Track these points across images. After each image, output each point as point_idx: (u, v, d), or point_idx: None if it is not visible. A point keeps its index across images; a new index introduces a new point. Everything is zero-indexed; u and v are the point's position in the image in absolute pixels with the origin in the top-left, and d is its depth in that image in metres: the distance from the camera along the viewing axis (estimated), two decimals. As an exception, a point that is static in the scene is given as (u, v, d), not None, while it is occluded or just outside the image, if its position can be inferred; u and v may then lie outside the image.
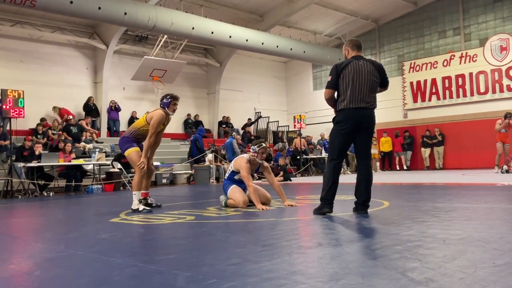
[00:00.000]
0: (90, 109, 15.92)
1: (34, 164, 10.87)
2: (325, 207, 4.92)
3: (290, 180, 14.29)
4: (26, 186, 10.93)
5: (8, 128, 11.33)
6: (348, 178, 14.44)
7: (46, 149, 13.09)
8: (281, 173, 14.70)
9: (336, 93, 4.91)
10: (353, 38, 5.20)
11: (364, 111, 4.78)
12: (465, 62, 17.95)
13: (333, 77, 4.84)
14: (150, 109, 18.53)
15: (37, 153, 11.45)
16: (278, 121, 21.85)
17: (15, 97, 10.79)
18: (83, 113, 16.00)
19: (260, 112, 21.74)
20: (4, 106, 10.70)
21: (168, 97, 6.30)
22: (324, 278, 2.30)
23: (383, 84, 4.97)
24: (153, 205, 6.31)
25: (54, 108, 15.22)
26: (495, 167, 12.93)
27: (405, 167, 18.85)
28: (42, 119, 14.28)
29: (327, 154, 18.40)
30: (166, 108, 6.23)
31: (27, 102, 11.36)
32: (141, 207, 5.94)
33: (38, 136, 13.49)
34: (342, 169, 18.33)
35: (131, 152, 6.07)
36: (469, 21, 18.29)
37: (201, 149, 15.65)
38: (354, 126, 4.79)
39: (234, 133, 16.92)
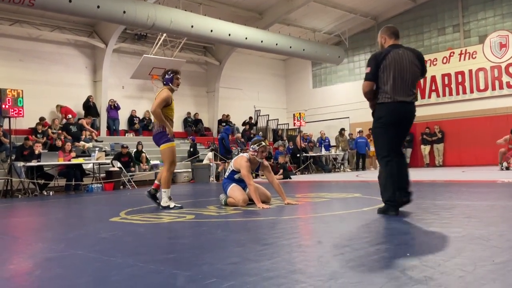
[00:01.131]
0: (90, 108, 15.90)
1: (34, 163, 10.87)
2: (390, 209, 4.43)
3: (290, 178, 14.29)
4: (26, 185, 10.93)
5: (7, 127, 11.31)
6: (348, 176, 14.47)
7: (46, 149, 13.08)
8: (281, 171, 14.69)
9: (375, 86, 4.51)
10: (389, 25, 4.78)
11: (407, 105, 4.48)
12: (464, 59, 17.93)
13: (372, 68, 4.46)
14: (150, 108, 18.43)
15: (36, 152, 11.45)
16: (277, 119, 21.84)
17: (15, 97, 10.79)
18: (83, 112, 15.99)
19: (258, 112, 21.72)
20: (3, 106, 10.69)
21: (169, 72, 6.27)
22: (323, 277, 2.30)
23: (422, 73, 4.63)
24: (157, 201, 6.36)
25: (57, 106, 15.26)
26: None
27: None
28: (42, 118, 14.26)
29: (326, 152, 18.39)
30: (170, 84, 6.22)
31: (26, 101, 11.35)
32: (172, 204, 5.99)
33: (38, 136, 13.48)
34: (342, 167, 18.45)
35: (165, 148, 6.05)
36: (468, 18, 18.27)
37: (227, 148, 15.58)
38: (396, 120, 4.46)
39: (260, 132, 17.11)
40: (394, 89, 4.41)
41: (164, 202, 6.02)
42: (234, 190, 6.06)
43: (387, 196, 4.46)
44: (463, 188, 7.75)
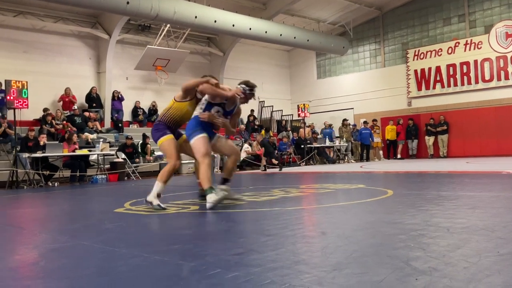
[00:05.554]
0: (93, 99, 15.91)
1: (39, 154, 10.91)
2: None
3: (280, 170, 14.22)
4: (31, 176, 10.98)
5: (12, 118, 11.35)
6: (352, 167, 14.45)
7: (54, 140, 13.15)
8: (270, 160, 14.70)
9: None
10: None
11: None
12: (470, 50, 17.80)
13: None
14: (155, 99, 18.23)
15: (41, 143, 11.49)
16: (282, 110, 21.80)
17: (19, 88, 10.79)
18: (87, 103, 16.01)
19: (262, 103, 21.68)
20: (8, 97, 10.71)
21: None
22: (328, 268, 2.30)
23: None
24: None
25: (67, 89, 15.23)
26: None
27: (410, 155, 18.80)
28: (45, 109, 14.26)
29: (331, 142, 18.26)
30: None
31: (30, 92, 11.35)
32: (156, 202, 5.07)
33: (47, 125, 13.49)
34: (346, 158, 18.43)
35: (163, 141, 5.19)
36: (474, 8, 18.11)
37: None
38: None
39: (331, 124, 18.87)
40: None
41: (151, 197, 5.10)
42: (200, 141, 5.05)
43: None
44: (467, 179, 7.72)
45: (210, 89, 5.01)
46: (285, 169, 14.68)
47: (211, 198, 4.81)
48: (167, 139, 5.18)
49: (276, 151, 16.59)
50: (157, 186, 5.10)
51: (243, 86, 5.18)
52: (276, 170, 14.39)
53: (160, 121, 5.32)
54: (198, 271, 2.37)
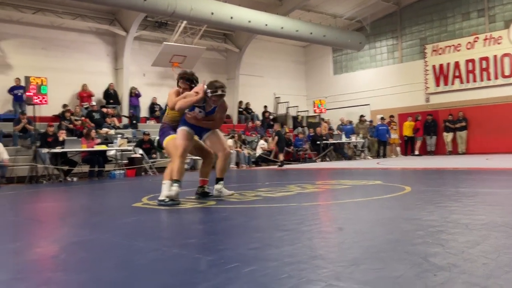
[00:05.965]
0: (110, 95, 16.06)
1: (58, 150, 11.06)
2: None
3: (281, 166, 14.16)
4: (50, 171, 11.14)
5: (31, 114, 11.52)
6: (368, 163, 14.37)
7: (72, 135, 13.31)
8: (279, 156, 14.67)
9: None
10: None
11: None
12: (489, 45, 17.52)
13: None
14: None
15: (60, 139, 11.65)
16: (297, 106, 21.75)
17: (38, 84, 10.94)
18: (104, 99, 16.16)
19: (277, 99, 21.63)
20: (27, 93, 10.86)
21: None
22: (345, 263, 2.30)
23: None
24: (209, 194, 5.65)
25: (84, 85, 15.41)
26: None
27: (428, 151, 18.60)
28: (65, 105, 14.46)
29: (347, 138, 18.13)
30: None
31: (49, 88, 11.50)
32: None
33: (66, 121, 13.67)
34: (362, 154, 18.32)
35: (167, 142, 5.36)
36: (493, 2, 17.80)
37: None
38: None
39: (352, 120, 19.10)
40: None
41: (163, 195, 5.12)
42: (179, 137, 5.22)
43: None
44: (487, 176, 7.63)
45: (184, 103, 5.12)
46: (301, 165, 14.65)
47: (172, 190, 5.03)
48: (170, 139, 5.35)
49: (292, 147, 16.57)
50: (165, 185, 5.23)
51: (205, 88, 5.15)
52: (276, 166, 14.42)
53: (164, 122, 5.56)
54: (216, 265, 2.39)
